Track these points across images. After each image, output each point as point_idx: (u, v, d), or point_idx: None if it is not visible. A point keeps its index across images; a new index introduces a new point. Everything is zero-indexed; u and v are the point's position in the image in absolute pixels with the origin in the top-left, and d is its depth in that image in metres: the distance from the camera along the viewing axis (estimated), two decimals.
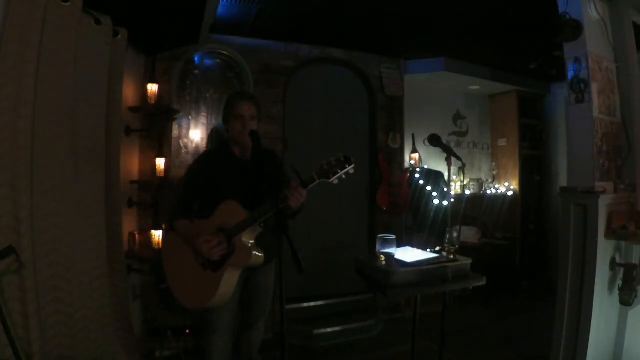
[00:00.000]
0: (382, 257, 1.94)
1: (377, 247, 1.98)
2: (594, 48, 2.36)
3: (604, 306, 2.25)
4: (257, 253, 1.82)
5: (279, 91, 3.61)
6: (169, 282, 1.97)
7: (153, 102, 3.03)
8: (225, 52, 3.42)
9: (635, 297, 2.22)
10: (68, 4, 2.01)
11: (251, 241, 1.83)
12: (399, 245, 2.04)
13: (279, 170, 2.08)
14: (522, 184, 4.66)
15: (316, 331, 3.30)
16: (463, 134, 4.75)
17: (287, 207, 1.71)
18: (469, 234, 4.11)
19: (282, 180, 1.98)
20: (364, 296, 3.76)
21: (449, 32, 3.45)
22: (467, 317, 3.72)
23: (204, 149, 3.34)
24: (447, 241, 2.06)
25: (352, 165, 1.67)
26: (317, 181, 1.70)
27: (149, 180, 3.06)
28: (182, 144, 3.31)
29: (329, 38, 3.64)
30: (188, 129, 3.33)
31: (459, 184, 4.39)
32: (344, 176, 1.67)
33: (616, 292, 2.27)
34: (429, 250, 2.11)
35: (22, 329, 1.74)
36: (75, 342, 2.05)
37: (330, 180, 1.67)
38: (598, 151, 2.32)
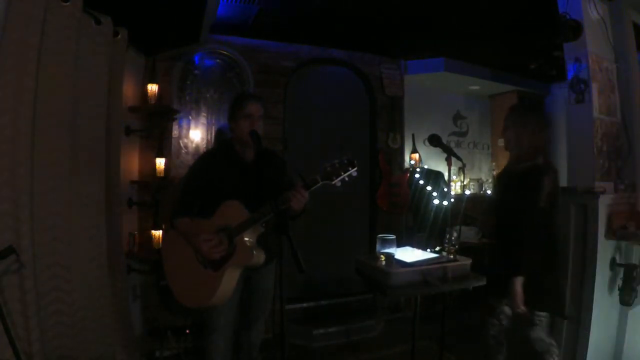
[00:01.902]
0: (382, 257, 1.94)
1: (377, 247, 1.98)
2: (594, 48, 2.36)
3: (604, 306, 2.25)
4: (259, 253, 1.82)
5: (279, 91, 3.61)
6: (169, 281, 1.97)
7: (153, 102, 3.03)
8: (225, 52, 3.42)
9: (635, 297, 2.22)
10: (68, 4, 2.01)
11: (253, 241, 1.83)
12: (399, 245, 2.04)
13: (281, 172, 2.08)
14: None
15: (316, 331, 3.29)
16: (463, 134, 4.75)
17: (289, 208, 1.71)
18: (469, 234, 4.10)
19: (284, 181, 1.98)
20: (364, 296, 3.76)
21: (449, 32, 3.45)
22: (467, 317, 3.71)
23: (204, 148, 3.34)
24: (447, 241, 2.06)
25: (355, 168, 1.67)
26: (320, 183, 1.70)
27: (149, 180, 3.05)
28: (182, 144, 3.31)
29: (329, 38, 3.63)
30: (188, 129, 3.33)
31: (459, 184, 4.39)
32: (346, 179, 1.67)
33: (616, 292, 2.27)
34: (429, 250, 2.11)
35: (22, 329, 1.74)
36: (75, 342, 2.05)
37: (333, 183, 1.67)
38: (598, 151, 2.32)
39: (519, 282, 1.88)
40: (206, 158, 2.11)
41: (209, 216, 1.89)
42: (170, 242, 2.07)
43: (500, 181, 2.08)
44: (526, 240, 1.86)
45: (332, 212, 3.81)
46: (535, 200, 1.90)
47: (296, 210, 1.76)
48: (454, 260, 1.97)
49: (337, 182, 1.67)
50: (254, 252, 1.80)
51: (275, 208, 1.67)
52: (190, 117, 3.34)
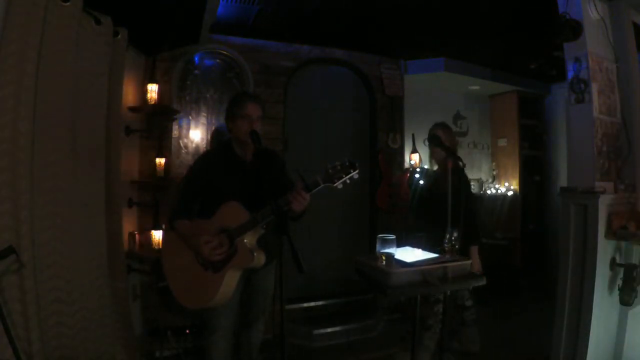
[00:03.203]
0: (382, 257, 1.94)
1: (377, 247, 1.97)
2: (594, 48, 2.36)
3: (604, 306, 2.25)
4: (259, 254, 1.82)
5: (279, 91, 3.61)
6: (169, 283, 1.97)
7: (153, 102, 3.03)
8: (225, 52, 3.42)
9: (635, 297, 2.21)
10: (68, 4, 2.01)
11: (253, 242, 1.83)
12: (399, 245, 2.04)
13: (281, 172, 2.08)
14: (522, 184, 4.65)
15: (316, 331, 3.29)
16: (463, 134, 4.75)
17: (291, 210, 1.71)
18: None
19: (284, 182, 1.97)
20: (364, 296, 3.76)
21: (449, 32, 3.45)
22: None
23: (204, 148, 3.34)
24: (447, 241, 2.06)
25: (357, 171, 1.66)
26: (322, 185, 1.69)
27: (149, 180, 3.06)
28: (182, 144, 3.31)
29: (329, 38, 3.63)
30: (188, 129, 3.33)
31: None
32: (348, 181, 1.66)
33: (616, 292, 2.27)
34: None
35: (22, 329, 1.74)
36: (75, 342, 2.05)
37: (335, 185, 1.67)
38: (598, 151, 2.32)
39: (476, 249, 2.37)
40: (205, 159, 2.10)
41: (208, 217, 1.89)
42: (170, 243, 2.06)
43: (437, 181, 2.58)
44: (473, 219, 2.48)
45: (332, 212, 3.81)
46: (470, 189, 2.80)
47: (297, 212, 1.76)
48: (454, 260, 1.97)
49: (338, 184, 1.66)
50: (255, 253, 1.80)
51: (276, 210, 1.67)
52: (190, 117, 3.34)
